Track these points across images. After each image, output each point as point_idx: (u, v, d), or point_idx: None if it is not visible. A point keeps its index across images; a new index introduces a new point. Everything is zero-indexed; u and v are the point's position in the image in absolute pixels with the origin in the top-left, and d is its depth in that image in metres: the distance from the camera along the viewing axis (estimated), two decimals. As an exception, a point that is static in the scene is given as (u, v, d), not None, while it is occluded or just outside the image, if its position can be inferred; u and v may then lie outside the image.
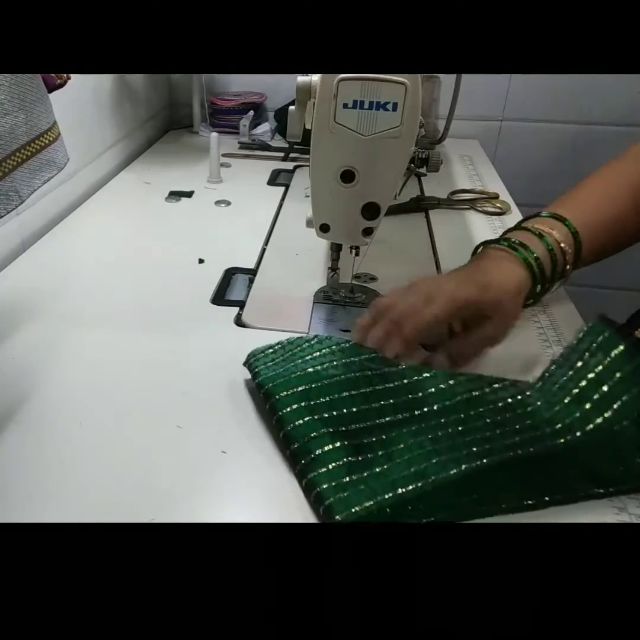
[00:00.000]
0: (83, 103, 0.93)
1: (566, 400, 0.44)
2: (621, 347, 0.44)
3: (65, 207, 0.87)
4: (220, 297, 0.66)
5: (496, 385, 0.47)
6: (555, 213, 0.59)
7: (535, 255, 0.55)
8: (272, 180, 1.03)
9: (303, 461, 0.42)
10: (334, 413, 0.44)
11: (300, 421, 0.44)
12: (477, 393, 0.46)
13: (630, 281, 1.32)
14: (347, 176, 0.55)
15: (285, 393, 0.46)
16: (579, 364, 0.45)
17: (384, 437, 0.43)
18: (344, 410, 0.45)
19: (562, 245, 0.57)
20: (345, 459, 0.42)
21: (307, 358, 0.49)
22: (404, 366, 0.48)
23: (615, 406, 0.43)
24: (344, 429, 0.44)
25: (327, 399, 0.45)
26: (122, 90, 1.07)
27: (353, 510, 0.38)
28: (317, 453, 0.42)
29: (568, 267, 0.58)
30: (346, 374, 0.47)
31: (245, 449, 0.46)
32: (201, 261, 0.73)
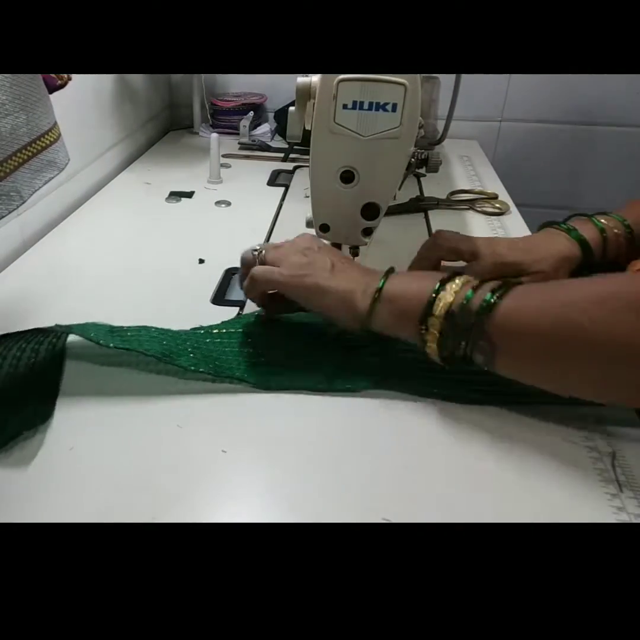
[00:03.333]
0: (84, 104, 0.93)
1: None
2: None
3: (66, 208, 0.87)
4: (220, 297, 0.66)
5: None
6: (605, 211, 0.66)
7: (584, 236, 0.63)
8: (272, 181, 1.03)
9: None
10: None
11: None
12: None
13: None
14: (347, 176, 0.55)
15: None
16: None
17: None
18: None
19: (614, 230, 0.64)
20: None
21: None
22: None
23: None
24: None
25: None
26: (123, 91, 1.07)
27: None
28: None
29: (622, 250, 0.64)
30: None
31: (245, 449, 0.46)
32: (201, 261, 0.73)
